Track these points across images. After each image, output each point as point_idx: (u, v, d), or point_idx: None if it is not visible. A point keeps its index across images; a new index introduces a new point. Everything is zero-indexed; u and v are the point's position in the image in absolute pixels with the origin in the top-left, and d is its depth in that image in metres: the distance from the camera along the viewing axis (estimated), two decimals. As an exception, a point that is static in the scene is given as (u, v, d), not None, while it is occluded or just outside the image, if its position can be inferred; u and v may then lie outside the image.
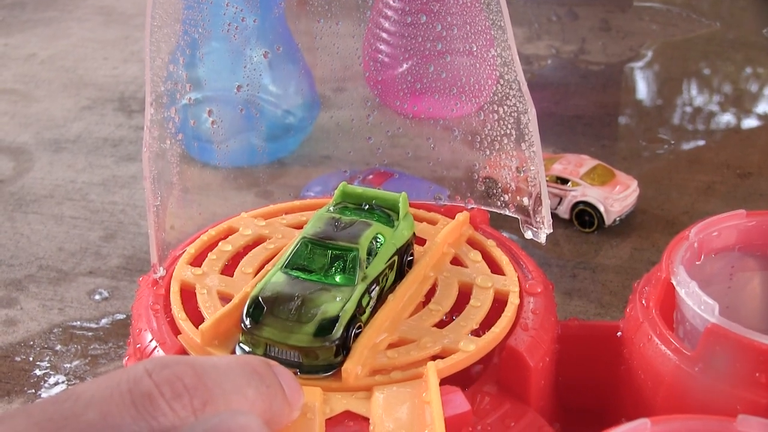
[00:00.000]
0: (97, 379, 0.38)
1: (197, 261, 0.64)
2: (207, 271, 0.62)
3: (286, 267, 0.57)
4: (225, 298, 0.59)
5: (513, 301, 0.59)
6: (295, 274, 0.56)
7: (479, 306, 0.59)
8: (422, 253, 0.62)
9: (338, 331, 0.53)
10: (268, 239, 0.66)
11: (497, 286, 0.61)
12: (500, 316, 0.58)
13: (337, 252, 0.57)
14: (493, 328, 0.57)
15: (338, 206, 0.62)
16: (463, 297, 0.60)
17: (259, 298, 0.55)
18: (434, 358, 0.55)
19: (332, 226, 0.58)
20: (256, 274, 0.61)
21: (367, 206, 0.63)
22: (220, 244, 0.65)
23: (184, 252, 0.65)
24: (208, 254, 0.64)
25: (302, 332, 0.53)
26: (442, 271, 0.62)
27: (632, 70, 1.43)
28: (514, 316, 0.58)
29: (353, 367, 0.53)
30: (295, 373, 0.52)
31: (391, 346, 0.55)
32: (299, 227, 0.66)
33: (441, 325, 0.57)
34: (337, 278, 0.56)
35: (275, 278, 0.56)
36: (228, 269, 0.63)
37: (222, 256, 0.64)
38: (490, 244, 0.65)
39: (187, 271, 0.63)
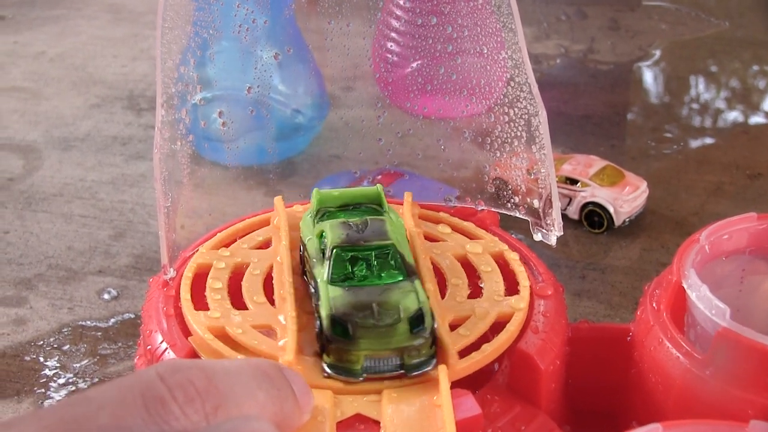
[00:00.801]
0: (109, 382, 0.38)
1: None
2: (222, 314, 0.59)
3: (332, 282, 0.55)
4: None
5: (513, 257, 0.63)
6: (348, 284, 0.55)
7: (489, 269, 0.61)
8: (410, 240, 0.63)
9: (428, 321, 0.53)
10: (248, 265, 0.63)
11: (488, 249, 0.63)
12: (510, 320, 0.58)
13: (375, 252, 0.57)
14: (502, 332, 0.57)
15: (321, 213, 0.62)
16: (465, 266, 0.62)
17: (335, 317, 0.53)
18: (497, 326, 0.57)
19: (351, 230, 0.58)
20: (271, 301, 0.60)
21: (352, 206, 0.63)
22: (209, 281, 0.62)
23: (195, 252, 0.65)
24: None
25: (399, 333, 0.53)
26: (429, 250, 0.63)
27: (641, 70, 1.43)
28: (524, 318, 0.58)
29: (453, 357, 0.53)
30: (401, 377, 0.53)
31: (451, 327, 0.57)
32: (266, 245, 0.66)
33: (473, 295, 0.59)
34: (389, 276, 0.56)
35: (332, 294, 0.55)
36: (235, 303, 0.60)
37: (218, 293, 0.61)
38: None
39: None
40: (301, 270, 0.61)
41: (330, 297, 0.54)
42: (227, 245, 0.66)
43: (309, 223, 0.61)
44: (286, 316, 0.57)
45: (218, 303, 0.59)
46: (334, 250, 0.57)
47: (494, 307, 0.58)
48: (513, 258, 0.64)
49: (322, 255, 0.58)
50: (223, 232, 0.67)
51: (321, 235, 0.59)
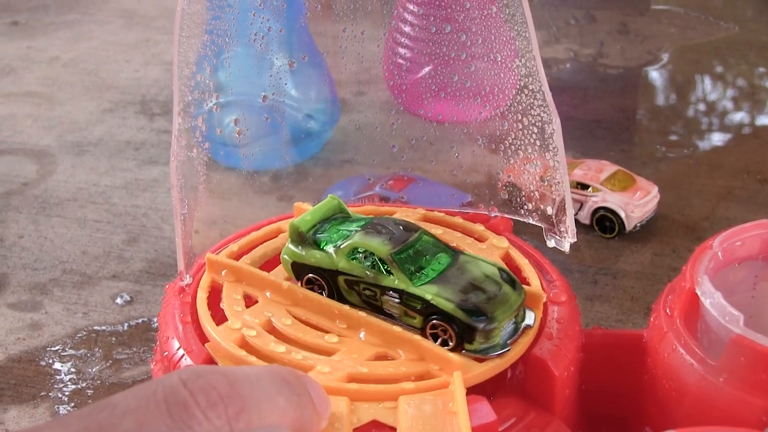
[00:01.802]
0: (132, 388, 0.39)
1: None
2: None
3: (418, 280, 0.57)
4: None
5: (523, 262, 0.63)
6: (430, 278, 0.58)
7: None
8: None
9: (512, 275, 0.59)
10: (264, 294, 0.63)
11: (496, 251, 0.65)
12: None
13: (418, 243, 0.59)
14: (518, 338, 0.57)
15: (303, 239, 0.62)
16: None
17: (465, 306, 0.55)
18: None
19: (381, 234, 0.59)
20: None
21: (336, 217, 0.64)
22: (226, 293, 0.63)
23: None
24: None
25: (509, 294, 0.57)
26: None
27: (650, 74, 1.44)
28: (538, 326, 0.59)
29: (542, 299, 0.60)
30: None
31: None
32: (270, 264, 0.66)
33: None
34: (447, 257, 0.59)
35: (433, 291, 0.56)
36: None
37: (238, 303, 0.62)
38: None
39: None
40: (338, 296, 0.60)
41: (436, 295, 0.56)
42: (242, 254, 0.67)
43: (302, 251, 0.61)
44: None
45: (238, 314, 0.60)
46: (395, 256, 0.58)
47: None
48: (524, 263, 0.64)
49: (377, 268, 0.58)
50: (236, 243, 0.68)
51: (351, 254, 0.59)
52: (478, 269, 0.59)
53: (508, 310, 0.56)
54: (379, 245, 0.58)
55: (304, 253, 0.61)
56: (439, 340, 0.56)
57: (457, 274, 0.58)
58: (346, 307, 0.59)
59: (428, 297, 0.56)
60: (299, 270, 0.61)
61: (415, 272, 0.58)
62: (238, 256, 0.65)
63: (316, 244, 0.61)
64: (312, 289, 0.61)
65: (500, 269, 0.59)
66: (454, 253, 0.60)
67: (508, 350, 0.56)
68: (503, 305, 0.56)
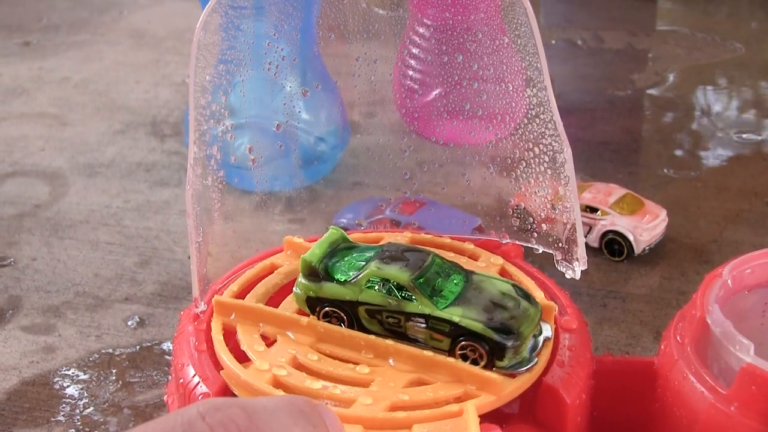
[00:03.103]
0: (152, 422, 0.39)
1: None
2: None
3: (440, 303, 0.58)
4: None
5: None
6: (451, 299, 0.59)
7: None
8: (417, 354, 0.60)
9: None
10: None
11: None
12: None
13: (433, 266, 0.60)
14: (541, 350, 0.58)
15: (311, 275, 0.61)
16: None
17: (493, 326, 0.57)
18: None
19: (397, 261, 0.60)
20: None
21: (342, 247, 0.64)
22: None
23: (225, 286, 0.66)
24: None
25: (529, 309, 0.59)
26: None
27: (658, 95, 1.44)
28: (549, 353, 0.59)
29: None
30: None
31: None
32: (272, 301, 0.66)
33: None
34: (460, 278, 0.61)
35: (459, 314, 0.57)
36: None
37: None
38: None
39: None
40: (358, 327, 0.60)
41: (463, 316, 0.57)
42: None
43: (318, 284, 0.61)
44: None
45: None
46: (416, 282, 0.59)
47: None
48: (522, 276, 0.65)
49: (394, 294, 0.59)
50: (235, 283, 0.68)
51: (368, 283, 0.60)
52: (494, 287, 0.60)
53: (531, 324, 0.58)
54: (398, 272, 0.59)
55: (320, 286, 0.61)
56: (469, 360, 0.57)
57: (475, 293, 0.59)
58: (372, 337, 0.59)
59: (456, 319, 0.57)
60: (315, 304, 0.61)
61: (436, 295, 0.59)
62: (239, 296, 0.65)
63: (330, 277, 0.61)
64: (330, 322, 0.61)
65: (514, 285, 0.61)
66: (466, 273, 0.61)
67: (536, 362, 0.57)
68: (526, 320, 0.58)
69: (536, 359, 0.58)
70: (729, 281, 0.61)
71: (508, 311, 0.58)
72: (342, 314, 0.60)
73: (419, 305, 0.58)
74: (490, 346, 0.56)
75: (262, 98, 0.78)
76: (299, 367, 0.58)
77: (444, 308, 0.58)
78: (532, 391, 0.58)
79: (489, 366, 0.57)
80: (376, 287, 0.59)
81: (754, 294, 0.63)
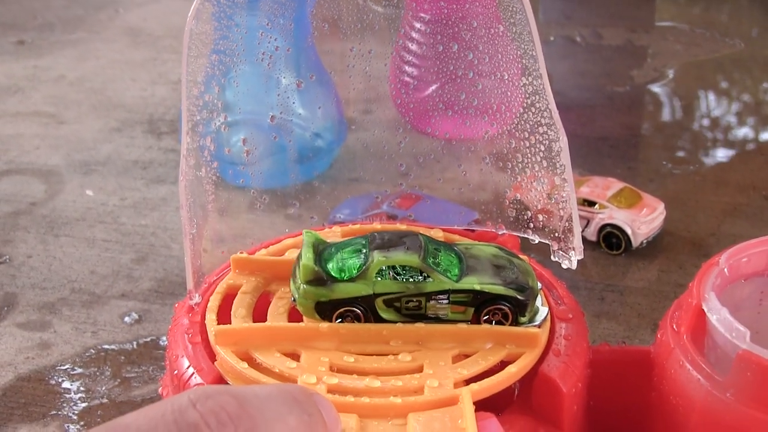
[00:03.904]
0: (143, 410, 0.39)
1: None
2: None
3: (454, 277, 0.59)
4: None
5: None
6: (459, 268, 0.60)
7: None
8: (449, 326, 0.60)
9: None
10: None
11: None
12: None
13: (429, 245, 0.61)
14: (525, 354, 0.57)
15: (317, 281, 0.60)
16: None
17: (511, 287, 0.59)
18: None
19: (395, 244, 0.60)
20: None
21: (322, 247, 0.63)
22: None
23: (220, 278, 0.66)
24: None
25: (526, 262, 0.63)
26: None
27: (657, 91, 1.44)
28: (546, 340, 0.59)
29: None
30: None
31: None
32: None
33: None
34: (452, 251, 0.62)
35: (472, 281, 0.59)
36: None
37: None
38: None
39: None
40: (375, 319, 0.60)
41: (481, 283, 0.59)
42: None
43: (327, 289, 0.59)
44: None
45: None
46: (427, 262, 0.59)
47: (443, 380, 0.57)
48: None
49: (404, 278, 0.59)
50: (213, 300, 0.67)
51: (378, 274, 0.59)
52: (484, 253, 0.62)
53: (532, 276, 0.62)
54: (406, 257, 0.59)
55: (331, 289, 0.59)
56: (494, 323, 0.59)
57: (474, 261, 0.61)
58: (396, 325, 0.59)
59: (477, 287, 0.59)
60: (327, 308, 0.59)
61: (446, 270, 0.59)
62: (220, 321, 0.62)
63: (334, 277, 0.59)
64: (343, 322, 0.60)
65: (497, 247, 0.64)
66: (451, 245, 0.63)
67: (548, 311, 0.61)
68: (529, 274, 0.61)
69: (546, 309, 0.61)
70: (725, 270, 0.60)
71: (511, 270, 0.61)
72: (358, 311, 0.59)
73: (437, 283, 0.58)
74: (512, 305, 0.59)
75: (257, 94, 0.77)
76: (344, 371, 0.57)
77: (460, 280, 0.59)
78: (529, 380, 0.58)
79: (513, 325, 0.59)
80: (388, 276, 0.59)
81: (751, 283, 0.63)
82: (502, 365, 0.57)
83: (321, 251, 0.62)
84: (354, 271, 0.59)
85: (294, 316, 0.61)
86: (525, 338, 0.58)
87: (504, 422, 0.53)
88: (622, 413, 0.63)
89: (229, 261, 0.68)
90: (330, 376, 0.55)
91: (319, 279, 0.59)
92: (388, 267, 0.59)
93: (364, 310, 0.59)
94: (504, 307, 0.59)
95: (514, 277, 0.60)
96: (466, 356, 0.58)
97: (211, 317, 0.62)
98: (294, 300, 0.60)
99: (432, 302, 0.59)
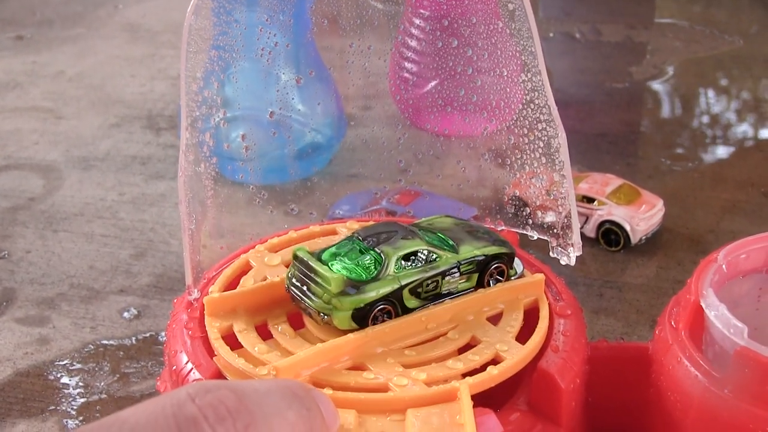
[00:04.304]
0: (141, 404, 0.39)
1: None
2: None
3: (456, 249, 0.61)
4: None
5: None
6: (449, 242, 0.62)
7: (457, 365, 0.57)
8: (467, 296, 0.61)
9: None
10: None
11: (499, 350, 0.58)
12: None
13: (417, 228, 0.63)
14: (523, 347, 0.57)
15: (348, 289, 0.58)
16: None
17: (501, 245, 0.62)
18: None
19: (395, 234, 0.61)
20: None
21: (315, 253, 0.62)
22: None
23: (219, 273, 0.66)
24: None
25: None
26: (474, 321, 0.61)
27: (656, 88, 1.44)
28: (544, 337, 0.59)
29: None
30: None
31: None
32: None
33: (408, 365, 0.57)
34: (424, 231, 0.62)
35: (469, 250, 0.61)
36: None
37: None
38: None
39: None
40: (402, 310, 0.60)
41: (477, 249, 0.61)
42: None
43: (360, 294, 0.58)
44: None
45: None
46: (433, 242, 0.61)
47: (496, 345, 0.58)
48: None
49: (428, 260, 0.60)
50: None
51: (397, 265, 0.59)
52: (446, 223, 0.65)
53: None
54: (413, 243, 0.60)
55: (365, 292, 0.58)
56: (492, 282, 0.62)
57: (450, 233, 0.63)
58: (425, 311, 0.60)
59: (478, 253, 0.61)
60: (363, 313, 0.58)
61: (444, 247, 0.61)
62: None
63: (363, 280, 0.58)
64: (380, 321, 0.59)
65: (447, 216, 0.66)
66: (415, 225, 0.64)
67: (521, 261, 0.65)
68: (490, 230, 0.65)
69: (519, 260, 0.65)
70: (724, 266, 0.60)
71: (480, 231, 0.64)
72: (390, 308, 0.59)
73: (446, 259, 0.60)
74: (508, 260, 0.62)
75: (256, 90, 0.77)
76: (414, 365, 0.57)
77: (459, 252, 0.61)
78: (527, 376, 0.58)
79: (507, 279, 0.63)
80: (404, 266, 0.59)
81: (749, 279, 0.62)
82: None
83: (316, 256, 0.61)
84: (373, 270, 0.59)
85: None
86: (530, 286, 0.62)
87: (502, 418, 0.53)
88: (620, 409, 0.63)
89: (228, 256, 0.68)
90: (401, 376, 0.55)
91: (351, 286, 0.58)
92: (402, 257, 0.59)
93: (394, 304, 0.59)
94: (500, 265, 0.62)
95: (490, 236, 0.63)
96: (499, 316, 0.61)
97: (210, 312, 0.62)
98: (325, 317, 0.58)
99: (447, 278, 0.60)
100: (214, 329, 0.59)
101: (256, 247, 0.67)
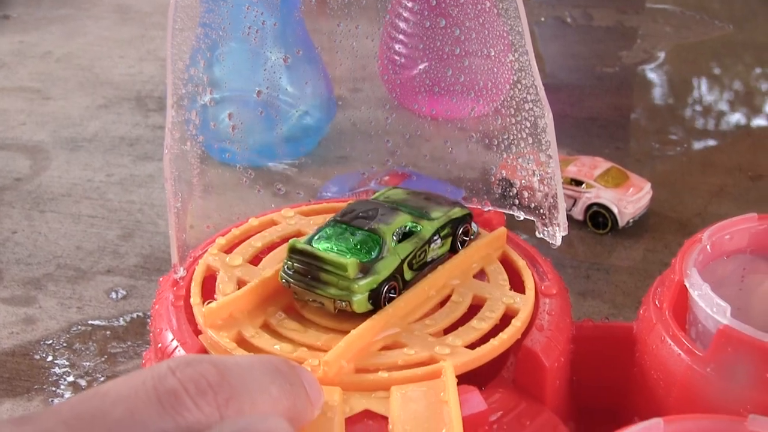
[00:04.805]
0: (123, 377, 0.39)
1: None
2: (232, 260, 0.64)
3: (427, 217, 0.62)
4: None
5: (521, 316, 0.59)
6: (417, 209, 0.63)
7: (494, 267, 0.64)
8: (450, 260, 0.63)
9: None
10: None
11: (509, 303, 0.60)
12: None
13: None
14: (508, 327, 0.58)
15: (360, 274, 0.58)
16: (475, 309, 0.61)
17: (463, 206, 0.64)
18: (503, 322, 0.58)
19: (370, 213, 0.61)
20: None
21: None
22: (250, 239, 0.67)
23: (205, 252, 0.66)
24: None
25: None
26: (464, 282, 0.62)
27: (646, 72, 1.44)
28: (529, 315, 0.59)
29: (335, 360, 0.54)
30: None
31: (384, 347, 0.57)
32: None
33: (438, 335, 0.58)
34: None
35: (439, 214, 0.62)
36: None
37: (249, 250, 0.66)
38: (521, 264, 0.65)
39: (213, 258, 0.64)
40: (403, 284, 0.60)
41: (446, 213, 0.63)
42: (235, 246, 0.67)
43: (370, 276, 0.58)
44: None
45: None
46: (413, 213, 0.62)
47: (503, 299, 0.60)
48: (517, 258, 0.65)
49: (414, 230, 0.61)
50: (230, 234, 0.68)
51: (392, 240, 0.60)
52: (402, 194, 0.65)
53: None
54: (401, 217, 0.61)
55: (376, 272, 0.58)
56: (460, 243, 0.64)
57: (413, 204, 0.63)
58: (425, 279, 0.61)
59: (452, 215, 0.63)
60: (377, 293, 0.58)
61: (420, 216, 0.62)
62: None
63: (370, 260, 0.58)
64: (391, 298, 0.59)
65: (395, 188, 0.67)
66: (375, 200, 0.65)
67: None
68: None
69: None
70: (708, 247, 0.60)
71: (432, 196, 0.65)
72: (395, 284, 0.59)
73: (427, 227, 0.61)
74: (469, 221, 0.64)
75: (244, 70, 0.77)
76: (441, 334, 0.58)
77: (432, 218, 0.62)
78: (512, 354, 0.58)
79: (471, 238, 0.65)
80: (397, 240, 0.59)
81: (733, 260, 0.63)
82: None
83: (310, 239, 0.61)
84: (373, 249, 0.59)
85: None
86: (497, 239, 0.65)
87: (486, 395, 0.53)
88: (605, 388, 0.63)
89: (214, 235, 0.68)
90: (425, 346, 0.56)
91: (365, 269, 0.58)
92: (394, 233, 0.59)
93: (398, 279, 0.59)
94: (467, 225, 0.64)
95: (445, 200, 0.65)
96: (481, 273, 0.63)
97: (195, 291, 0.62)
98: (342, 303, 0.57)
99: (431, 246, 0.61)
100: (225, 339, 0.58)
101: (209, 251, 0.66)
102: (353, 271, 0.57)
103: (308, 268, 0.58)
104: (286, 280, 0.59)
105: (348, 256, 0.58)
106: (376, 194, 0.66)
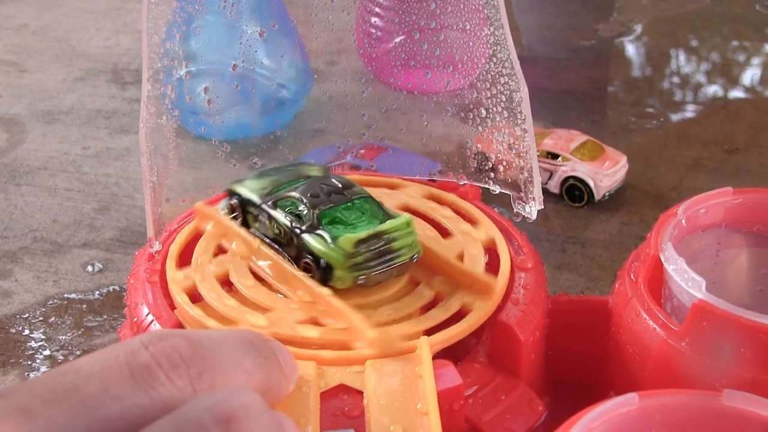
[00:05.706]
0: (96, 352, 0.39)
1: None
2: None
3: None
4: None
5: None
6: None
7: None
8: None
9: None
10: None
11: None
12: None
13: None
14: (483, 303, 0.58)
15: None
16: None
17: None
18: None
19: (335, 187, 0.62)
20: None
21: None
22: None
23: (182, 227, 0.66)
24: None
25: None
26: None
27: (623, 45, 1.44)
28: (504, 289, 0.59)
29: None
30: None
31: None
32: None
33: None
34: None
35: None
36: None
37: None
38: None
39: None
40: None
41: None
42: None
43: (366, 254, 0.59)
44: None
45: None
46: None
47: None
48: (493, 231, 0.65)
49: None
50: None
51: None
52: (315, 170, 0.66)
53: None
54: (358, 187, 0.62)
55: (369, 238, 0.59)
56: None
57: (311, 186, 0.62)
58: None
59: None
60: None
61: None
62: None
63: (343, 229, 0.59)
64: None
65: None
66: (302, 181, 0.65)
67: None
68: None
69: None
70: (683, 221, 0.61)
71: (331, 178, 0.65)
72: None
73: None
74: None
75: (220, 43, 0.77)
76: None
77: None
78: (487, 328, 0.58)
79: None
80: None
81: (708, 234, 0.63)
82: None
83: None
84: (379, 215, 0.61)
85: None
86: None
87: (462, 370, 0.53)
88: (580, 362, 0.64)
89: (190, 209, 0.68)
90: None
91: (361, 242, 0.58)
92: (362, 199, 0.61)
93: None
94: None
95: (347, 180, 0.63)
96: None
97: (171, 265, 0.62)
98: (361, 278, 0.58)
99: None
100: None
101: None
102: (348, 246, 0.58)
103: (379, 247, 0.59)
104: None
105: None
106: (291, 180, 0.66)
